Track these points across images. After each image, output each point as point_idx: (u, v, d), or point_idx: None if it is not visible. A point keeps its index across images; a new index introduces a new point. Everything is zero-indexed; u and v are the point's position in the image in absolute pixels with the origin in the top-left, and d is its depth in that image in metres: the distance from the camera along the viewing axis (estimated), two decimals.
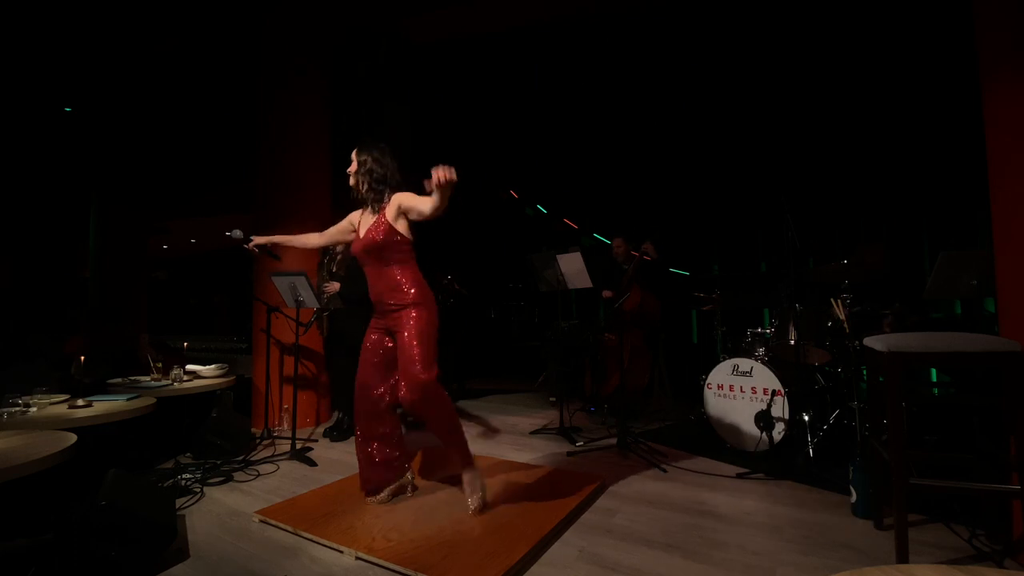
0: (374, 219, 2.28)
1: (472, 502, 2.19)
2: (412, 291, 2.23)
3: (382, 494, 2.32)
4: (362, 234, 2.32)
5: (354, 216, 2.44)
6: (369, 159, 2.30)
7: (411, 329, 2.17)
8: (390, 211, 2.24)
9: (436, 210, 2.03)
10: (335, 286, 3.52)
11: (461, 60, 5.69)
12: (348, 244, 3.64)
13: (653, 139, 5.54)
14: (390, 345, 2.32)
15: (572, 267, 3.44)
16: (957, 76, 3.65)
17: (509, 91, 6.03)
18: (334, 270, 3.64)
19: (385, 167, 2.30)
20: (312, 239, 2.60)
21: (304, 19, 4.16)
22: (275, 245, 2.69)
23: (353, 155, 2.35)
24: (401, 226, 2.24)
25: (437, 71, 5.82)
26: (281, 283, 3.22)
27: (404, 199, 2.22)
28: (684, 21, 4.78)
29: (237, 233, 2.68)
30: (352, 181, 2.35)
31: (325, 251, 3.73)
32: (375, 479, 2.33)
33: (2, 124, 5.63)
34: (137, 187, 6.98)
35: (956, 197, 4.01)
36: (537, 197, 6.71)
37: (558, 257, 3.46)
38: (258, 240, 2.64)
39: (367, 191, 2.31)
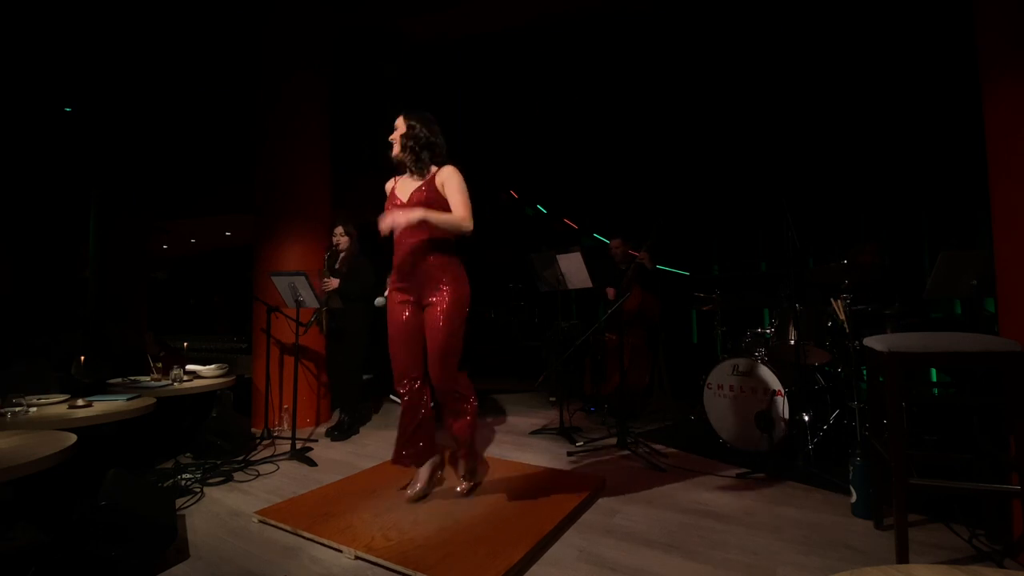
0: (420, 182, 2.27)
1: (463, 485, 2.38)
2: (446, 267, 2.22)
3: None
4: (405, 198, 2.28)
5: (388, 186, 2.42)
6: (418, 124, 2.29)
7: (442, 306, 2.19)
8: (440, 178, 2.24)
9: (459, 221, 2.15)
10: (334, 282, 3.51)
11: (460, 60, 5.69)
12: (352, 241, 3.69)
13: (654, 139, 5.54)
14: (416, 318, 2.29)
15: (572, 267, 3.44)
16: (957, 76, 3.64)
17: (509, 91, 6.02)
18: (336, 267, 3.63)
19: (434, 134, 2.30)
20: None
21: (304, 20, 4.16)
22: None
23: (400, 121, 2.32)
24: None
25: (436, 71, 5.82)
26: (281, 283, 3.22)
27: (455, 181, 2.21)
28: (685, 21, 4.78)
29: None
30: (397, 148, 2.31)
31: (329, 247, 3.74)
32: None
33: (2, 124, 5.63)
34: (137, 187, 6.98)
35: (956, 197, 4.01)
36: (537, 197, 6.71)
37: (558, 257, 3.46)
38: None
39: (412, 155, 2.28)
